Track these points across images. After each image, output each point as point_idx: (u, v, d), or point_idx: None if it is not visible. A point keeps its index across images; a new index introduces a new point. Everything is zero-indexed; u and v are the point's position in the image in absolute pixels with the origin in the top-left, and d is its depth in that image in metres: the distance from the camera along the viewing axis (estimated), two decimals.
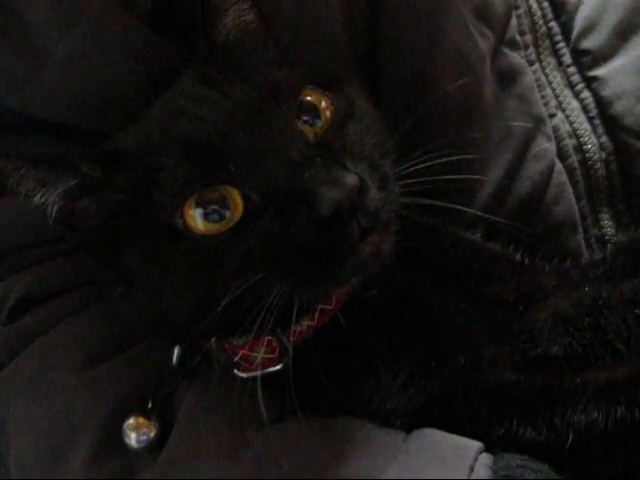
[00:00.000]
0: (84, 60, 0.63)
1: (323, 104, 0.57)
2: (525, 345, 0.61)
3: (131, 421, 0.60)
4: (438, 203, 0.59)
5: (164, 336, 0.61)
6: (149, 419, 0.59)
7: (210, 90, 0.56)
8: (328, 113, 0.57)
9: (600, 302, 0.61)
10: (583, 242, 0.77)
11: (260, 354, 0.59)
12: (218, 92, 0.56)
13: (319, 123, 0.56)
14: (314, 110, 0.57)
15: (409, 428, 0.58)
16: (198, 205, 0.52)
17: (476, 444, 0.55)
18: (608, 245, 0.72)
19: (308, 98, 0.57)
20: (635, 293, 0.61)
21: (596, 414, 0.54)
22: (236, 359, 0.60)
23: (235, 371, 0.60)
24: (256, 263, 0.51)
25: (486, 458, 0.53)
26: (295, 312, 0.53)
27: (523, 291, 0.65)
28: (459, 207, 0.61)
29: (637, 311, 0.60)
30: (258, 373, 0.59)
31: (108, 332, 0.65)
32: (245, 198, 0.52)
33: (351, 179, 0.50)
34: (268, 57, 0.60)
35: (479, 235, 0.70)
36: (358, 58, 0.73)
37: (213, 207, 0.52)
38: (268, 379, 0.59)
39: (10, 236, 0.67)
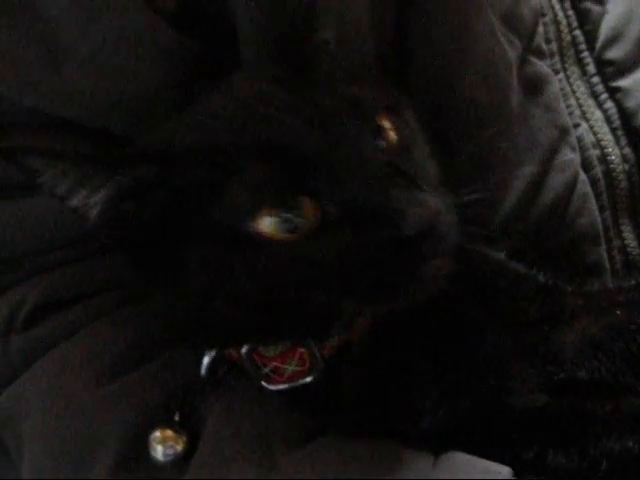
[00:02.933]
0: (106, 58, 0.61)
1: (388, 126, 0.56)
2: (550, 368, 0.60)
3: (157, 434, 0.57)
4: (482, 232, 0.58)
5: (203, 341, 0.59)
6: (176, 432, 0.58)
7: (290, 95, 0.54)
8: (392, 136, 0.56)
9: (633, 327, 0.60)
10: (605, 254, 0.77)
11: (292, 366, 0.58)
12: (300, 99, 0.54)
13: (384, 145, 0.55)
14: (382, 131, 0.56)
15: (438, 451, 0.56)
16: (272, 212, 0.50)
17: (506, 470, 0.53)
18: None
19: (380, 119, 0.56)
20: None
21: (631, 443, 0.53)
22: (266, 371, 0.58)
23: (263, 383, 0.59)
24: (323, 275, 0.50)
25: None
26: (340, 324, 0.52)
27: (548, 312, 0.64)
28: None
29: None
30: (287, 386, 0.58)
31: (131, 340, 0.63)
32: (322, 210, 0.51)
33: (433, 202, 0.50)
34: (349, 73, 0.59)
35: (504, 254, 0.69)
36: (385, 65, 0.71)
37: (288, 215, 0.50)
38: (295, 393, 0.59)
39: (25, 240, 0.65)
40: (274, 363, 0.58)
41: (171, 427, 0.58)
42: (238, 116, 0.54)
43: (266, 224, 0.50)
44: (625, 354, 0.59)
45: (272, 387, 0.59)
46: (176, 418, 0.59)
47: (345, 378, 0.58)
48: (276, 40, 0.61)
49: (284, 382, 0.58)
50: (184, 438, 0.58)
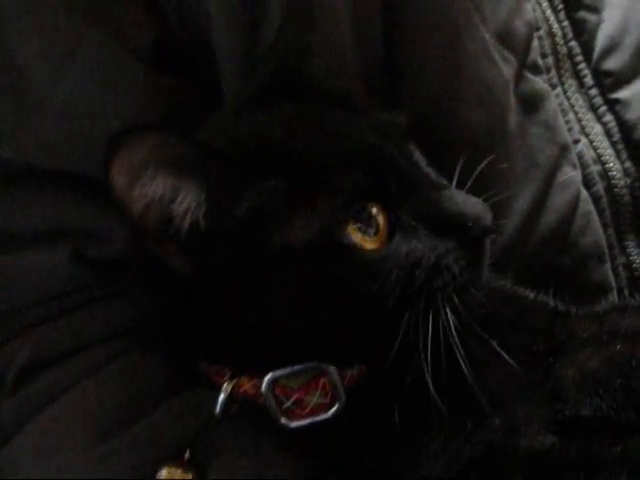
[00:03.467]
0: (82, 103, 0.60)
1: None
2: (555, 405, 0.59)
3: (164, 472, 0.55)
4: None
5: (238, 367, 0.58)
6: (184, 470, 0.56)
7: (351, 117, 0.57)
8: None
9: (633, 363, 0.58)
10: (610, 272, 0.75)
11: (315, 397, 0.56)
12: (358, 120, 0.56)
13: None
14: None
15: None
16: (356, 218, 0.52)
17: None
18: None
19: None
20: None
21: None
22: (288, 404, 0.56)
23: (283, 419, 0.56)
24: (406, 278, 0.52)
25: None
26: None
27: (554, 341, 0.63)
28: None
29: None
30: (308, 421, 0.56)
31: (127, 393, 0.61)
32: (393, 218, 0.53)
33: (487, 207, 0.55)
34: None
35: (509, 282, 0.67)
36: (375, 89, 0.69)
37: (366, 222, 0.52)
38: (308, 433, 0.57)
39: (9, 296, 0.63)
40: (297, 395, 0.56)
41: (179, 465, 0.56)
42: (308, 133, 0.55)
43: (354, 232, 0.52)
44: (626, 390, 0.57)
45: (293, 423, 0.56)
46: (186, 456, 0.57)
47: (365, 414, 0.57)
48: (272, 71, 0.60)
49: (306, 416, 0.56)
50: (191, 476, 0.56)
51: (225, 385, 0.57)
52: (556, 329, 0.64)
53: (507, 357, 0.56)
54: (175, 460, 0.56)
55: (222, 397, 0.57)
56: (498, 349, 0.57)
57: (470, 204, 0.54)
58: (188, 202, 0.50)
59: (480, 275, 0.55)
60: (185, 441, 0.58)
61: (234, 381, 0.57)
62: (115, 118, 0.61)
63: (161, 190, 0.49)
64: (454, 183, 0.60)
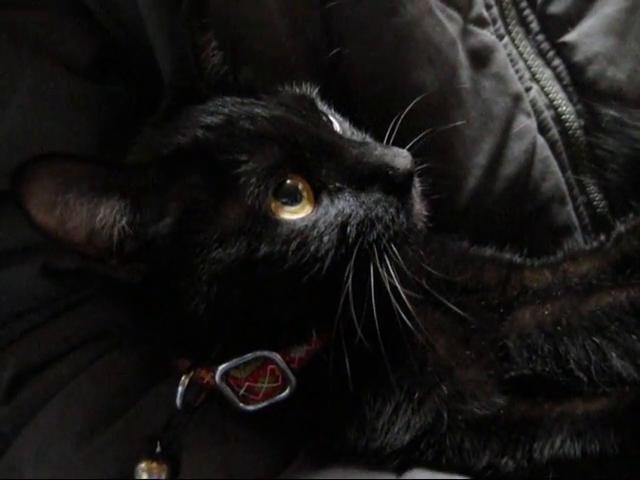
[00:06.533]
0: (29, 127, 0.62)
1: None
2: (502, 365, 0.62)
3: (142, 465, 0.60)
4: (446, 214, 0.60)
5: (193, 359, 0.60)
6: (159, 462, 0.60)
7: (255, 100, 0.58)
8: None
9: (559, 328, 0.62)
10: (573, 212, 0.78)
11: (265, 383, 0.59)
12: (263, 102, 0.58)
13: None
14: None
15: (398, 467, 0.59)
16: (278, 192, 0.54)
17: None
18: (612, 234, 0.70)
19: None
20: (593, 318, 0.61)
21: (572, 451, 0.55)
22: (242, 392, 0.59)
23: (241, 405, 0.59)
24: (339, 237, 0.54)
25: None
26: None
27: (507, 297, 0.65)
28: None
29: (595, 339, 0.60)
30: (265, 404, 0.59)
31: (111, 391, 0.64)
32: (317, 185, 0.55)
33: (401, 149, 0.56)
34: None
35: (466, 242, 0.70)
36: (318, 64, 0.71)
37: (290, 194, 0.54)
38: (272, 412, 0.59)
39: None
40: (247, 383, 0.59)
41: (154, 458, 0.60)
42: (219, 120, 0.56)
43: (279, 207, 0.53)
44: (554, 355, 0.61)
45: (251, 407, 0.59)
46: (157, 449, 0.60)
47: (315, 393, 0.59)
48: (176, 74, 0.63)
49: (261, 400, 0.59)
50: (166, 467, 0.60)
51: (183, 378, 0.60)
52: (509, 284, 0.67)
53: (459, 310, 0.59)
54: (149, 454, 0.60)
55: (180, 390, 0.60)
56: (448, 303, 0.60)
57: (389, 154, 0.55)
58: (112, 216, 0.51)
59: (413, 220, 0.56)
60: (156, 433, 0.62)
61: (191, 374, 0.59)
62: (59, 138, 0.63)
63: (80, 213, 0.50)
64: (409, 145, 0.61)
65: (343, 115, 0.65)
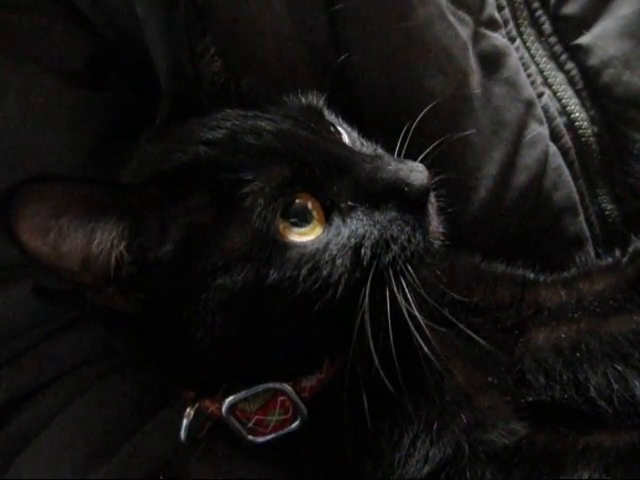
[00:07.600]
0: (17, 133, 0.60)
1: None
2: (520, 390, 0.59)
3: None
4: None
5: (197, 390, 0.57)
6: None
7: (260, 113, 0.55)
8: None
9: (578, 354, 0.58)
10: (584, 223, 0.75)
11: (275, 416, 0.56)
12: (268, 114, 0.55)
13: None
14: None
15: None
16: (287, 213, 0.50)
17: None
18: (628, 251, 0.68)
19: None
20: (615, 344, 0.58)
21: None
22: (250, 425, 0.56)
23: (250, 437, 0.56)
24: (351, 259, 0.50)
25: None
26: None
27: (522, 317, 0.63)
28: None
29: (617, 366, 0.57)
30: (273, 435, 0.56)
31: (108, 418, 0.62)
32: (328, 203, 0.52)
33: (416, 163, 0.53)
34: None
35: (477, 257, 0.67)
36: (325, 71, 0.68)
37: (300, 214, 0.51)
38: (282, 444, 0.56)
39: None
40: (256, 417, 0.56)
41: None
42: (222, 136, 0.52)
43: (288, 228, 0.50)
44: (574, 382, 0.58)
45: (259, 439, 0.56)
46: None
47: (327, 424, 0.56)
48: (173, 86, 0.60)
49: (269, 433, 0.56)
50: None
51: (188, 410, 0.57)
52: (524, 303, 0.64)
53: (476, 337, 0.56)
54: None
55: (185, 423, 0.57)
56: (465, 329, 0.56)
57: (404, 168, 0.52)
58: (109, 240, 0.48)
59: (430, 239, 0.53)
60: (160, 464, 0.59)
61: (196, 405, 0.57)
62: (48, 144, 0.61)
63: (75, 238, 0.47)
64: (421, 157, 0.58)
65: (351, 125, 0.61)
